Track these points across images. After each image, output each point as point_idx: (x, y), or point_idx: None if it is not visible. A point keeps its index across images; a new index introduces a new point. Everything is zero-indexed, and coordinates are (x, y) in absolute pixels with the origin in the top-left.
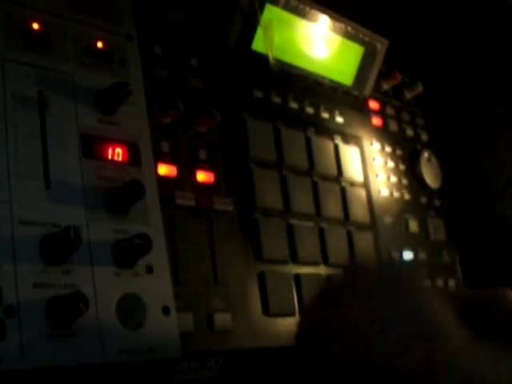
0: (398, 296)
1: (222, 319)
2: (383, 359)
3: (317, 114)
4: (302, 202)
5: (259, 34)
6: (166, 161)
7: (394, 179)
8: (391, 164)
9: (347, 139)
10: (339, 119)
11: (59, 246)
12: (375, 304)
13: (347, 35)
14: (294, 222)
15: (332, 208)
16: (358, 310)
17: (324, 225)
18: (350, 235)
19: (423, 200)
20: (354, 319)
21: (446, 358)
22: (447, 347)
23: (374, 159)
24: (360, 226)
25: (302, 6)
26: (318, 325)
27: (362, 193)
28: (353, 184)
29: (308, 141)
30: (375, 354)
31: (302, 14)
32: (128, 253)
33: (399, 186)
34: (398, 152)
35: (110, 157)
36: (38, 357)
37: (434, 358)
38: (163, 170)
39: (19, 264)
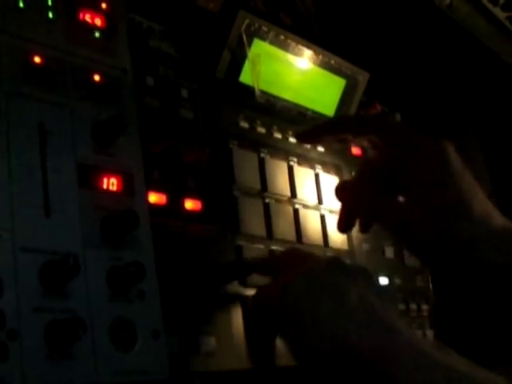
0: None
1: (207, 342)
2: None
3: (299, 143)
4: (284, 228)
5: (247, 67)
6: (157, 189)
7: None
8: None
9: (328, 168)
10: (320, 148)
11: (58, 273)
12: (345, 297)
13: (330, 68)
14: (276, 247)
15: (312, 234)
16: (330, 300)
17: (305, 250)
18: None
19: None
20: (326, 307)
21: (395, 350)
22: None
23: None
24: (339, 253)
25: (288, 41)
26: (297, 298)
27: None
28: (332, 211)
29: (290, 170)
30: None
31: (287, 49)
32: (122, 280)
33: None
34: None
35: (105, 187)
36: (38, 378)
37: (384, 350)
38: (153, 198)
39: (21, 289)
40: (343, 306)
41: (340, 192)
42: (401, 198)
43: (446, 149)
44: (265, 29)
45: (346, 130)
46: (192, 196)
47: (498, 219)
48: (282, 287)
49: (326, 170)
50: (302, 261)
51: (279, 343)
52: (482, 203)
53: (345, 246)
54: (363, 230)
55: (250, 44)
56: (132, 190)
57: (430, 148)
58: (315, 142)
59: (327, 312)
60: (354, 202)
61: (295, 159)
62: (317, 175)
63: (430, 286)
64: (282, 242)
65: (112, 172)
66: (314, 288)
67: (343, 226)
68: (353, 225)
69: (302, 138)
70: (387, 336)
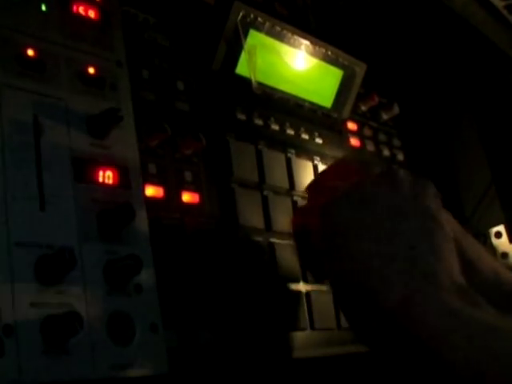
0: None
1: (206, 336)
2: (369, 286)
3: (297, 135)
4: (283, 220)
5: (243, 58)
6: (153, 182)
7: None
8: None
9: (326, 160)
10: (318, 140)
11: (54, 267)
12: (391, 226)
13: (327, 59)
14: (274, 240)
15: None
16: (377, 226)
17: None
18: None
19: None
20: (370, 232)
21: (422, 303)
22: (428, 290)
23: None
24: None
25: (284, 32)
26: (340, 221)
27: None
28: None
29: (288, 162)
30: (368, 280)
31: (284, 40)
32: (119, 273)
33: None
34: None
35: (101, 180)
36: (35, 373)
37: (412, 300)
38: (150, 191)
39: (16, 284)
40: (386, 242)
41: None
42: None
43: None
44: (260, 20)
45: None
46: (189, 189)
47: (506, 274)
48: (321, 208)
49: (325, 161)
50: (350, 172)
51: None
52: (488, 260)
53: None
54: None
55: (245, 35)
56: (128, 183)
57: None
58: None
59: (365, 248)
60: None
61: (293, 151)
62: (315, 167)
63: None
64: (281, 234)
65: (108, 165)
66: (357, 211)
67: None
68: None
69: None
70: (423, 289)
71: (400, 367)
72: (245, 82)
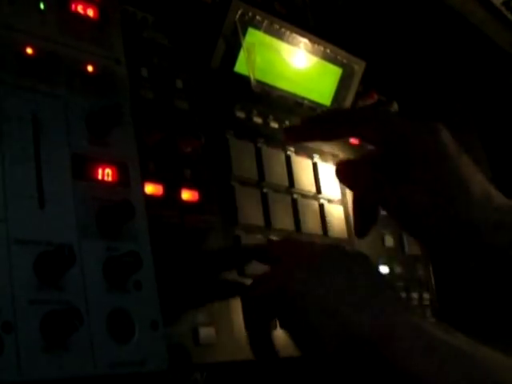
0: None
1: (206, 333)
2: (345, 320)
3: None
4: (282, 218)
5: (242, 56)
6: (153, 180)
7: None
8: None
9: (326, 157)
10: None
11: (54, 264)
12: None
13: (326, 57)
14: (274, 237)
15: (311, 223)
16: (337, 281)
17: (304, 239)
18: None
19: None
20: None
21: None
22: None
23: None
24: (338, 242)
25: (282, 30)
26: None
27: (340, 209)
28: (330, 201)
29: (288, 159)
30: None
31: (282, 38)
32: (119, 270)
33: None
34: None
35: (100, 177)
36: (34, 370)
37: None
38: (150, 188)
39: (15, 281)
40: (348, 288)
41: (342, 174)
42: (402, 185)
43: (439, 132)
44: (259, 18)
45: (335, 127)
46: (189, 186)
47: (498, 198)
48: (283, 274)
49: (324, 159)
50: (300, 248)
51: (280, 334)
52: (480, 183)
53: (344, 235)
54: (359, 234)
55: (244, 33)
56: (127, 181)
57: (422, 133)
58: (305, 141)
59: (331, 297)
60: (355, 184)
61: (292, 149)
62: (315, 164)
63: (431, 273)
64: (281, 231)
65: (107, 162)
66: (317, 273)
67: (359, 228)
68: (367, 228)
69: (290, 136)
70: (394, 315)
71: None
72: (244, 80)
